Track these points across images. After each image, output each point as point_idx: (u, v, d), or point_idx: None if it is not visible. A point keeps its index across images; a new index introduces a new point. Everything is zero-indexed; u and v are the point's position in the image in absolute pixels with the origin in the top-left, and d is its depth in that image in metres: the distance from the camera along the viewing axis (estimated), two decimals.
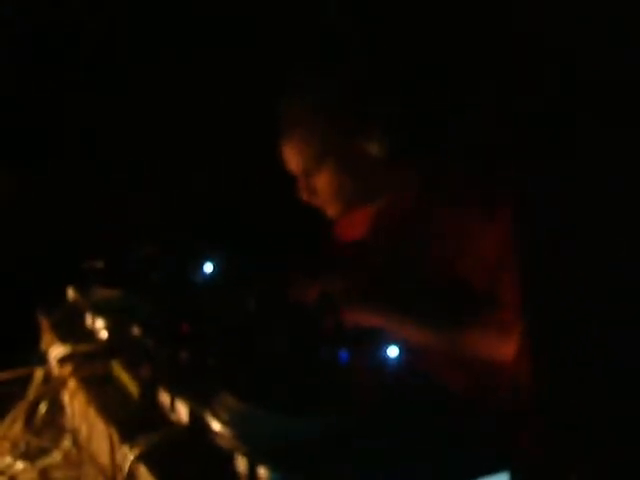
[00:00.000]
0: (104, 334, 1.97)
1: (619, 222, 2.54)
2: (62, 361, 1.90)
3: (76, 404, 1.86)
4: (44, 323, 2.28)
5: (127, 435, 1.47)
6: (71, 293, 2.33)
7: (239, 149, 3.55)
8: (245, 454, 1.26)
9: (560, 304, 2.41)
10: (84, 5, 3.53)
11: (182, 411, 1.47)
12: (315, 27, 3.48)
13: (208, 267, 2.09)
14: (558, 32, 2.74)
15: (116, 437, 1.52)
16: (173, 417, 1.50)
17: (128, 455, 1.41)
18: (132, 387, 1.68)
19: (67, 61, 3.54)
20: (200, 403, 1.43)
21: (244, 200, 3.46)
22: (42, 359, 2.03)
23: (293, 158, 2.15)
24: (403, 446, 1.32)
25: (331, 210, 2.20)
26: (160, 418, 1.53)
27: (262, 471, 1.21)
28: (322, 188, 2.13)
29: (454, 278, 2.01)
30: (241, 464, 1.26)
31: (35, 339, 2.32)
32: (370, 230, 2.24)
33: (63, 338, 2.03)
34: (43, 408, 1.95)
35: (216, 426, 1.36)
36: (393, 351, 1.44)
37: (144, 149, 3.61)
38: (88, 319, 2.10)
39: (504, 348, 1.97)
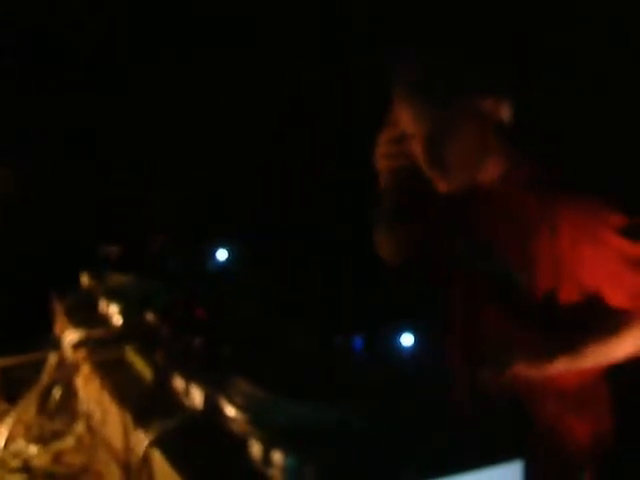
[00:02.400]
0: (118, 319, 1.97)
1: None
2: (76, 346, 1.91)
3: (90, 389, 1.88)
4: (58, 308, 2.28)
5: (141, 420, 1.48)
6: (85, 278, 2.34)
7: (257, 140, 3.56)
8: (260, 439, 1.26)
9: None
10: (84, 5, 3.55)
11: (196, 396, 1.48)
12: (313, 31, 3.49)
13: (223, 255, 2.10)
14: None
15: (130, 422, 1.53)
16: (187, 402, 1.51)
17: (142, 440, 1.42)
18: (146, 372, 1.69)
19: (67, 61, 3.55)
20: (214, 388, 1.44)
21: (264, 191, 3.46)
22: (56, 344, 2.03)
23: (418, 120, 1.96)
24: (418, 433, 1.32)
25: (445, 182, 2.04)
26: (174, 403, 1.54)
27: (277, 456, 1.22)
28: (453, 154, 1.94)
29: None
30: (255, 449, 1.27)
31: (49, 324, 2.33)
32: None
33: (77, 323, 2.05)
34: (57, 392, 1.96)
35: (230, 411, 1.37)
36: (407, 339, 1.45)
37: (161, 140, 3.62)
38: (102, 304, 2.11)
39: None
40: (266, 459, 1.25)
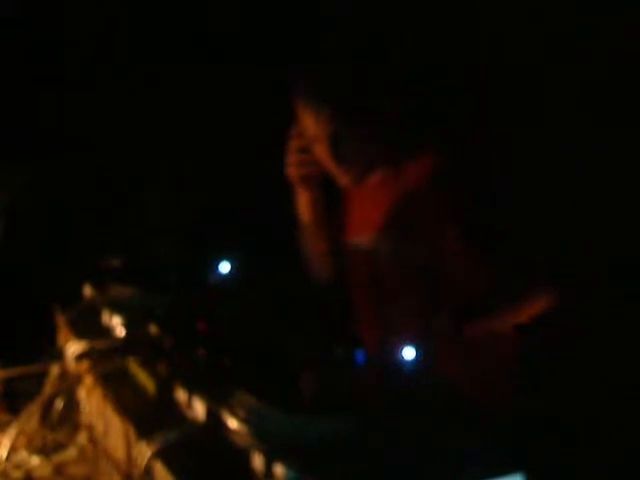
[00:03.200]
0: (121, 331, 1.98)
1: None
2: (79, 357, 1.92)
3: (92, 400, 1.88)
4: (61, 320, 2.29)
5: (144, 432, 1.49)
6: (88, 290, 2.35)
7: (254, 151, 3.56)
8: (262, 452, 1.27)
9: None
10: (84, 5, 3.55)
11: (199, 408, 1.49)
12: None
13: (225, 267, 2.10)
14: None
15: (133, 433, 1.54)
16: (190, 414, 1.52)
17: (145, 451, 1.43)
18: (149, 384, 1.69)
19: (67, 61, 3.56)
20: (217, 401, 1.44)
21: (261, 202, 3.47)
22: (58, 355, 2.04)
23: (319, 123, 2.17)
24: (418, 446, 1.33)
25: (349, 176, 2.21)
26: (176, 415, 1.55)
27: (278, 469, 1.22)
28: (351, 151, 2.16)
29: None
30: (257, 461, 1.28)
31: (52, 335, 2.34)
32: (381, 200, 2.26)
33: (80, 335, 2.06)
34: (59, 404, 1.96)
35: (233, 424, 1.38)
36: (409, 352, 1.45)
37: (160, 151, 3.63)
38: (105, 316, 2.11)
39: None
40: (268, 472, 1.25)
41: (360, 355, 1.43)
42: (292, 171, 2.24)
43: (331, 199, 2.32)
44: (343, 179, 2.19)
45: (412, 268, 2.11)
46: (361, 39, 2.33)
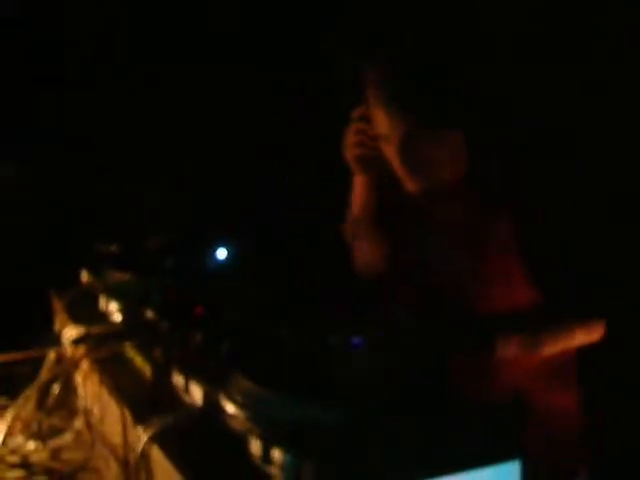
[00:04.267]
0: (118, 316, 1.97)
1: None
2: (75, 342, 1.89)
3: (89, 385, 1.86)
4: (58, 304, 2.28)
5: (140, 416, 1.46)
6: (85, 275, 2.33)
7: (254, 151, 3.56)
8: (259, 436, 1.25)
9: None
10: (84, 5, 3.54)
11: (196, 393, 1.46)
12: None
13: (222, 252, 2.09)
14: None
15: (129, 418, 1.51)
16: (187, 399, 1.50)
17: (141, 436, 1.40)
18: (145, 369, 1.66)
19: (67, 61, 3.55)
20: (214, 385, 1.43)
21: (260, 198, 3.47)
22: (55, 340, 2.03)
23: (394, 122, 1.97)
24: (416, 433, 1.31)
25: (418, 181, 2.09)
26: (173, 400, 1.52)
27: (276, 453, 1.21)
28: (419, 158, 1.98)
29: None
30: (255, 446, 1.26)
31: (49, 320, 2.33)
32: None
33: (76, 320, 2.03)
34: (56, 389, 1.95)
35: (230, 408, 1.35)
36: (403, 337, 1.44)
37: (160, 139, 3.62)
38: (102, 301, 2.10)
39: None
40: (265, 456, 1.23)
41: (356, 341, 1.42)
42: (350, 152, 2.10)
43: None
44: (409, 184, 2.02)
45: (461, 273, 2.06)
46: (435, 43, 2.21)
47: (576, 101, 2.70)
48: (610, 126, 2.67)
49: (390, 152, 1.99)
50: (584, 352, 2.09)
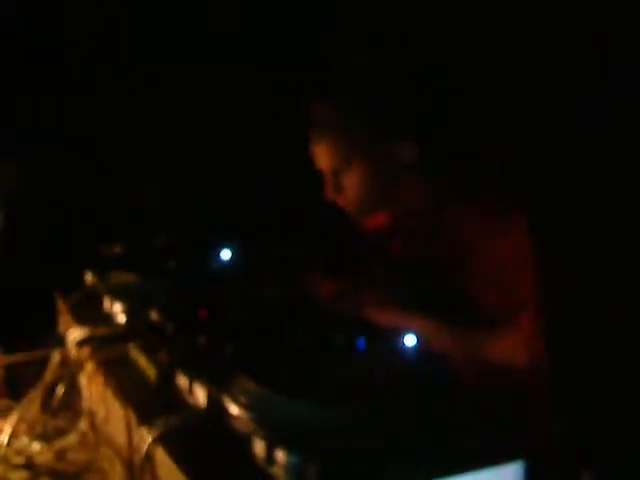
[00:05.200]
0: (122, 318, 1.97)
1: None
2: (80, 344, 1.90)
3: (93, 387, 1.86)
4: (62, 306, 2.28)
5: (145, 418, 1.46)
6: (89, 277, 2.34)
7: (256, 141, 3.56)
8: (263, 437, 1.26)
9: (578, 304, 2.42)
10: (84, 5, 3.54)
11: (200, 394, 1.47)
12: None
13: (226, 254, 2.10)
14: None
15: (133, 419, 1.52)
16: (191, 400, 1.51)
17: (146, 437, 1.40)
18: (150, 371, 1.67)
19: (67, 61, 3.55)
20: (218, 387, 1.43)
21: (261, 190, 3.47)
22: (60, 342, 2.03)
23: (324, 157, 2.16)
24: (418, 434, 1.32)
25: (355, 210, 2.21)
26: (178, 401, 1.53)
27: (280, 455, 1.22)
28: (349, 188, 2.14)
29: (468, 283, 2.03)
30: (259, 447, 1.27)
31: (53, 322, 2.33)
32: (388, 230, 2.25)
33: (81, 321, 2.04)
34: (60, 390, 1.95)
35: (234, 410, 1.36)
36: (410, 340, 1.45)
37: (160, 139, 3.62)
38: (106, 303, 2.10)
39: (520, 354, 1.98)
40: (269, 457, 1.24)
41: (362, 342, 1.43)
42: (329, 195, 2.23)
43: None
44: (349, 213, 2.20)
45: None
46: (360, 65, 2.29)
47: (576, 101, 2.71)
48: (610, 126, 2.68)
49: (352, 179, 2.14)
50: (584, 352, 2.10)
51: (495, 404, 1.57)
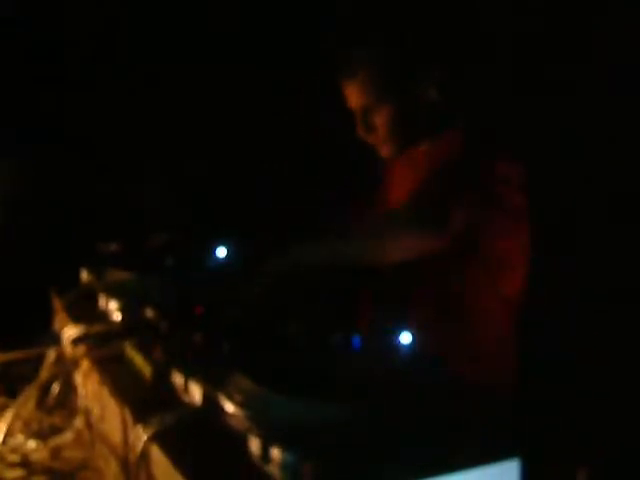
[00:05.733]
0: (117, 316, 1.97)
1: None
2: (75, 342, 1.89)
3: (89, 385, 1.86)
4: (57, 304, 2.28)
5: (140, 416, 1.46)
6: (85, 275, 2.33)
7: (252, 138, 3.56)
8: (259, 435, 1.25)
9: (579, 304, 2.43)
10: (84, 5, 3.54)
11: (195, 392, 1.47)
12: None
13: (223, 251, 2.10)
14: None
15: (129, 417, 1.51)
16: (186, 398, 1.50)
17: (141, 435, 1.40)
18: (145, 368, 1.66)
19: (67, 61, 3.55)
20: (213, 385, 1.43)
21: (261, 190, 3.48)
22: (55, 339, 2.02)
23: (355, 95, 2.24)
24: (417, 432, 1.32)
25: (385, 148, 2.26)
26: (173, 399, 1.52)
27: (276, 452, 1.21)
28: (381, 126, 2.20)
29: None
30: (254, 445, 1.26)
31: (48, 319, 2.33)
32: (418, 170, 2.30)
33: (76, 319, 2.03)
34: (56, 388, 1.95)
35: (230, 407, 1.36)
36: (406, 337, 1.44)
37: (160, 139, 3.62)
38: (102, 301, 2.10)
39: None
40: (265, 455, 1.23)
41: (357, 340, 1.42)
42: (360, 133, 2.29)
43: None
44: (381, 151, 2.27)
45: None
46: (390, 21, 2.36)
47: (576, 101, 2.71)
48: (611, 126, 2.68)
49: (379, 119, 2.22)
50: (585, 354, 2.09)
51: (493, 402, 1.56)
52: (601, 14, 2.67)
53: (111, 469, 1.65)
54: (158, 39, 3.63)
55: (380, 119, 2.22)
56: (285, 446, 1.20)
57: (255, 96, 3.62)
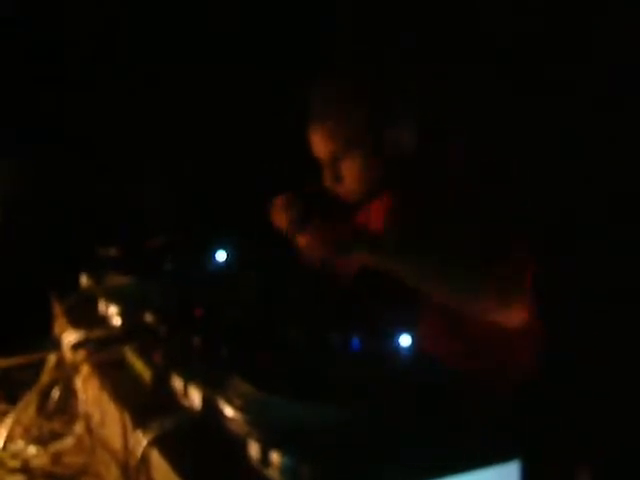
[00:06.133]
0: (117, 320, 1.97)
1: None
2: (75, 347, 1.89)
3: (89, 390, 1.86)
4: (57, 308, 2.28)
5: (140, 420, 1.47)
6: (85, 279, 2.33)
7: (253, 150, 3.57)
8: (258, 439, 1.26)
9: (579, 303, 2.42)
10: (84, 5, 3.54)
11: (195, 397, 1.47)
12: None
13: (222, 255, 2.10)
14: None
15: (129, 422, 1.52)
16: (186, 403, 1.50)
17: (141, 440, 1.41)
18: (145, 373, 1.67)
19: (67, 61, 3.55)
20: (213, 389, 1.43)
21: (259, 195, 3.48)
22: (55, 344, 2.03)
23: (322, 143, 2.13)
24: (417, 434, 1.32)
25: (353, 197, 2.19)
26: (173, 404, 1.53)
27: (275, 456, 1.21)
28: (348, 174, 2.13)
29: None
30: (254, 449, 1.27)
31: (49, 323, 2.33)
32: (386, 218, 2.24)
33: (76, 324, 2.04)
34: (56, 393, 1.95)
35: (229, 412, 1.36)
36: (405, 340, 1.45)
37: (160, 139, 3.62)
38: (101, 305, 2.10)
39: (505, 311, 1.93)
40: (264, 459, 1.24)
41: (356, 342, 1.43)
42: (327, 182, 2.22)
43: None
44: (346, 198, 2.17)
45: None
46: (362, 52, 2.29)
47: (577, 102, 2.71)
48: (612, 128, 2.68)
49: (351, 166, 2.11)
50: (585, 354, 2.09)
51: (493, 403, 1.57)
52: (601, 14, 2.67)
53: (112, 474, 1.66)
54: (158, 39, 3.63)
55: (348, 167, 2.13)
56: (284, 450, 1.20)
57: (255, 96, 3.61)
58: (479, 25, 2.99)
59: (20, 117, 3.40)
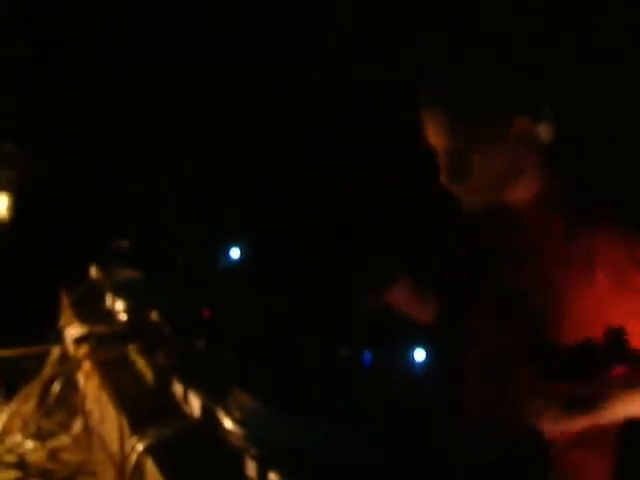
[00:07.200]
0: (123, 316, 1.85)
1: None
2: (79, 341, 1.78)
3: (90, 386, 1.73)
4: (65, 300, 2.16)
5: (137, 424, 1.35)
6: (94, 271, 2.23)
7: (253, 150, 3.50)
8: (256, 457, 1.12)
9: None
10: (84, 5, 3.48)
11: (195, 404, 1.33)
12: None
13: (235, 253, 1.99)
14: None
15: (126, 425, 1.39)
16: (185, 409, 1.36)
17: (136, 446, 1.29)
18: (147, 373, 1.55)
19: (67, 61, 3.49)
20: (213, 398, 1.29)
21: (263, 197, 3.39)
22: (60, 337, 1.91)
23: (441, 135, 1.70)
24: (416, 455, 1.19)
25: (473, 199, 1.71)
26: (173, 408, 1.40)
27: (273, 477, 1.08)
28: (477, 172, 1.62)
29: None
30: (251, 467, 1.13)
31: (56, 315, 2.23)
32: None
33: (82, 317, 1.92)
34: (57, 387, 1.81)
35: (228, 424, 1.22)
36: (420, 354, 1.29)
37: (160, 139, 3.55)
38: (108, 299, 1.98)
39: None
40: (261, 478, 1.11)
41: (367, 356, 1.28)
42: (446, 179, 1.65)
43: None
44: (462, 200, 1.60)
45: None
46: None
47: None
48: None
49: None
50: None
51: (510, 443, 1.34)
52: (601, 14, 2.56)
53: (107, 474, 1.52)
54: (158, 39, 3.56)
55: (476, 164, 1.57)
56: (282, 470, 1.06)
57: (255, 96, 3.52)
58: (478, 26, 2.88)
59: (20, 117, 3.35)
